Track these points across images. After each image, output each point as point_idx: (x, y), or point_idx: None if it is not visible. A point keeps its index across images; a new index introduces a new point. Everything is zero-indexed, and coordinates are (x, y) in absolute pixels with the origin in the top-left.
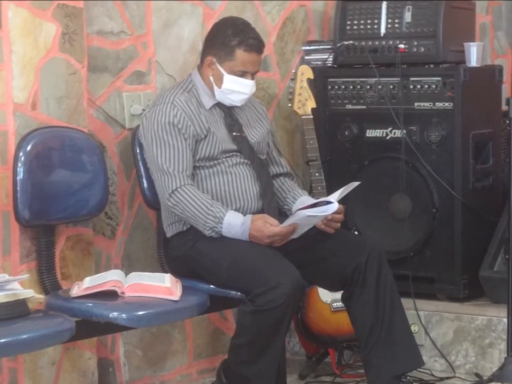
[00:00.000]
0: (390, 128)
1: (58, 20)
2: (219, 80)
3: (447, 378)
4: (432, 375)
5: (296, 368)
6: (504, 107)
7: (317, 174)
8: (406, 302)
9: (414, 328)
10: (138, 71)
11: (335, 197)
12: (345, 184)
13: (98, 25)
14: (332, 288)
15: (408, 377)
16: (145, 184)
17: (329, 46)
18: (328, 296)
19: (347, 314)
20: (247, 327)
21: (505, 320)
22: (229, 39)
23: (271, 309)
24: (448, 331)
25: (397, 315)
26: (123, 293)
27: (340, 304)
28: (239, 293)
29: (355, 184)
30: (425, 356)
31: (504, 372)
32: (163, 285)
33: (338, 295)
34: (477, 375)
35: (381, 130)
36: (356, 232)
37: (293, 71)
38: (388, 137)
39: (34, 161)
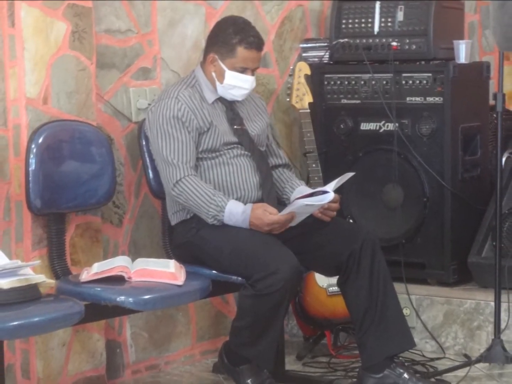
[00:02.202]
0: (383, 122)
1: (68, 19)
2: (221, 76)
3: (437, 358)
4: (423, 356)
5: (294, 349)
6: (491, 102)
7: (314, 165)
8: (398, 287)
9: (406, 312)
10: (144, 67)
11: (331, 187)
12: (341, 175)
13: (106, 23)
14: (328, 273)
15: (400, 358)
16: (151, 175)
17: (326, 44)
18: (324, 281)
19: (343, 298)
20: (247, 311)
21: (492, 303)
22: (230, 37)
23: (270, 293)
24: (438, 314)
25: (389, 299)
26: (130, 278)
27: (335, 288)
28: (240, 278)
29: (350, 174)
30: (417, 338)
31: (491, 353)
32: (168, 271)
33: (333, 280)
34: (465, 355)
35: (375, 124)
36: (351, 221)
37: (291, 67)
38: (381, 130)
39: (45, 153)
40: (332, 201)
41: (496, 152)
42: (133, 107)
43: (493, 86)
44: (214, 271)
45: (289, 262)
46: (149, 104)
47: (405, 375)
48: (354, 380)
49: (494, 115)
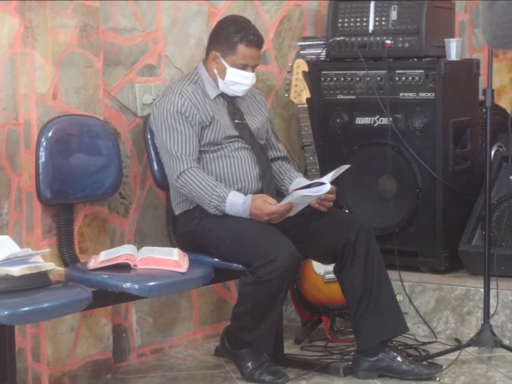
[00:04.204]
0: (377, 116)
1: (76, 18)
2: (223, 73)
3: (429, 342)
4: (416, 340)
5: (292, 334)
6: (481, 97)
7: (311, 158)
8: (392, 274)
9: (399, 298)
10: (149, 64)
11: (328, 178)
12: (337, 167)
13: (113, 22)
14: (325, 261)
15: (394, 342)
16: (155, 167)
17: (322, 42)
18: (321, 269)
19: (339, 284)
20: (247, 297)
21: (482, 290)
22: (231, 35)
23: (269, 280)
24: (430, 300)
25: (384, 285)
26: (135, 265)
27: (332, 275)
28: (240, 266)
29: (345, 167)
30: (409, 323)
31: (481, 337)
32: (172, 259)
33: (330, 267)
34: (456, 340)
35: (370, 118)
36: (346, 211)
37: (290, 64)
38: (375, 124)
39: (54, 146)
40: (329, 192)
41: (485, 145)
42: (138, 102)
43: (482, 82)
44: (216, 259)
45: (288, 251)
46: (154, 100)
47: (399, 358)
48: (350, 363)
49: (484, 110)
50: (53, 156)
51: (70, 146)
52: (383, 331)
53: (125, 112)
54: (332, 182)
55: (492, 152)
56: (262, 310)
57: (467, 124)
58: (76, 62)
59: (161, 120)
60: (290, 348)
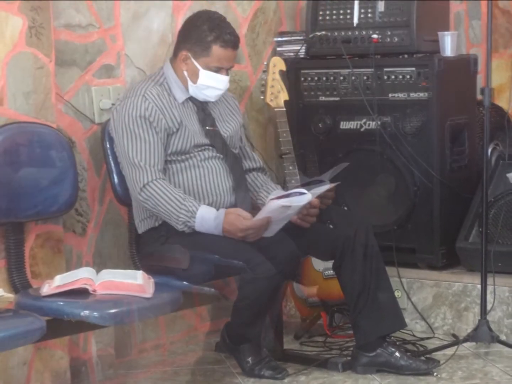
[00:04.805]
0: (364, 120)
1: (24, 14)
2: (194, 76)
3: (427, 338)
4: (414, 335)
5: (292, 330)
6: (479, 96)
7: (290, 168)
8: (390, 270)
9: (397, 294)
10: (107, 64)
11: (326, 177)
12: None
13: (66, 18)
14: (324, 257)
15: (392, 337)
16: (116, 180)
17: (301, 37)
18: (320, 265)
19: (338, 281)
20: (247, 293)
21: (479, 286)
22: (205, 34)
23: (269, 277)
24: (427, 296)
25: (382, 282)
26: (94, 291)
27: (331, 272)
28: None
29: (344, 165)
30: (407, 318)
31: (478, 332)
32: (135, 282)
33: (329, 264)
34: (454, 335)
35: (355, 122)
36: (345, 208)
37: (265, 63)
38: (362, 129)
39: (1, 158)
40: (311, 207)
41: (482, 143)
42: (95, 107)
43: (480, 81)
44: (185, 282)
45: (287, 248)
46: (113, 104)
47: (397, 354)
48: (349, 358)
49: (482, 110)
50: (0, 169)
51: (19, 157)
52: (382, 326)
53: (81, 118)
54: (332, 179)
55: (489, 150)
56: (261, 306)
57: (463, 126)
58: (24, 63)
59: (122, 126)
60: (289, 343)
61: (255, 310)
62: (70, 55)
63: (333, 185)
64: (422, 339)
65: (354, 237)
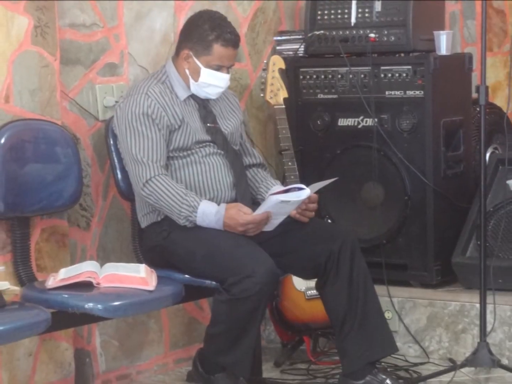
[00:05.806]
0: (361, 117)
1: (30, 13)
2: (196, 74)
3: (421, 363)
4: (406, 361)
5: (272, 356)
6: (474, 95)
7: (290, 164)
8: (380, 289)
9: (387, 315)
10: (110, 63)
11: (314, 189)
12: (318, 173)
13: (70, 17)
14: (306, 276)
15: (382, 363)
16: (119, 175)
17: (300, 36)
18: (302, 284)
19: (321, 302)
20: (222, 316)
21: (478, 305)
22: (206, 33)
23: (245, 298)
24: (421, 317)
25: (370, 302)
26: (98, 284)
27: (314, 292)
28: (214, 283)
29: (332, 180)
30: (399, 342)
31: (477, 356)
32: (138, 276)
33: (312, 283)
34: (450, 360)
35: (353, 119)
36: (329, 221)
37: (265, 61)
38: (359, 126)
39: (8, 154)
40: (310, 201)
41: (479, 147)
42: (99, 104)
43: (475, 79)
44: (187, 276)
45: (265, 265)
46: (116, 102)
47: (388, 381)
48: None
49: (477, 109)
50: (6, 165)
51: (25, 153)
52: (371, 351)
53: (85, 115)
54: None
55: (487, 155)
56: (238, 331)
57: (459, 125)
58: (30, 62)
59: (125, 123)
60: (269, 371)
61: (230, 335)
62: (74, 53)
63: (333, 180)
64: (415, 364)
65: (338, 253)
